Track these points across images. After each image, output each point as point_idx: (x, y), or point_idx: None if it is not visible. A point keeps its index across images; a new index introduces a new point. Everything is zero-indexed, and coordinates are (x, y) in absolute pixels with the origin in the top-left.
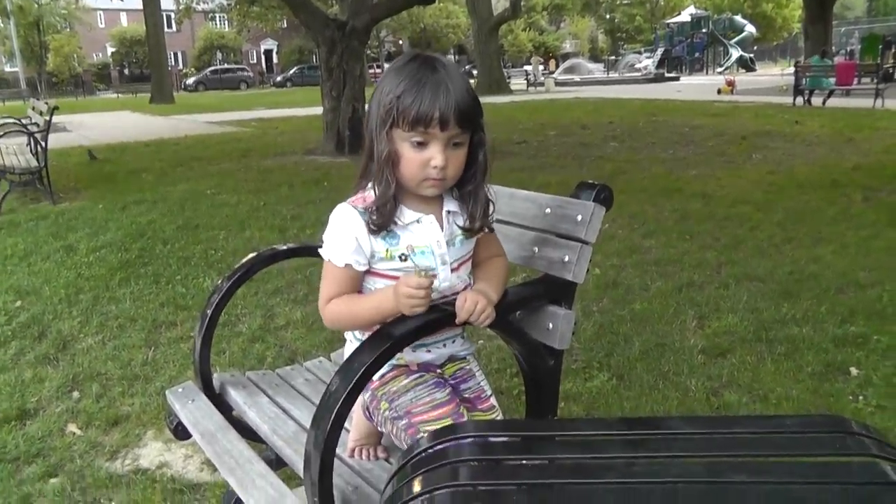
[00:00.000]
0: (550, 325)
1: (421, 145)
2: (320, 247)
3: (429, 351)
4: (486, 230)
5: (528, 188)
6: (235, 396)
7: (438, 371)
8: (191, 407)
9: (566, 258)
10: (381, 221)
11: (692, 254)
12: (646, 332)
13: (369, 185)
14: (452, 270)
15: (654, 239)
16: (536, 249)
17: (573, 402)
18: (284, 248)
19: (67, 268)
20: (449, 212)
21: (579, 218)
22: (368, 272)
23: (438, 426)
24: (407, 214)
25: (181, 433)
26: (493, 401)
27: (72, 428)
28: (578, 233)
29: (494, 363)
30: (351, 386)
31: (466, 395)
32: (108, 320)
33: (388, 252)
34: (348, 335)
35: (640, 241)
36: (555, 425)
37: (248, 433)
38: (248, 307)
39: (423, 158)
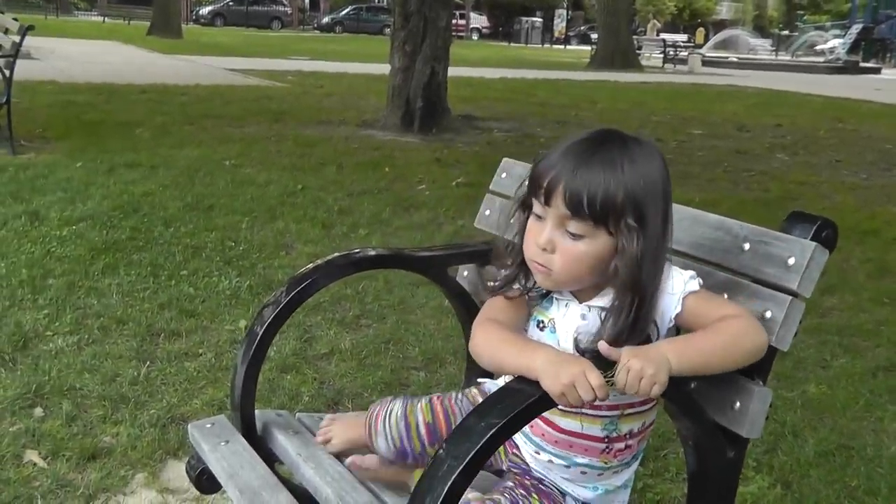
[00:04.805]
0: (738, 404)
1: (539, 219)
2: (423, 257)
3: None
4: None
5: None
6: (284, 444)
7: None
8: (224, 451)
9: (768, 314)
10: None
11: (893, 325)
12: (824, 426)
13: None
14: None
15: (837, 297)
16: (726, 297)
17: None
18: (373, 253)
19: (32, 241)
20: (597, 308)
21: (791, 262)
22: None
23: None
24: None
25: (206, 485)
26: None
27: (31, 456)
28: (789, 281)
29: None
30: (473, 453)
31: None
32: (86, 318)
33: (534, 310)
34: None
35: (815, 297)
36: None
37: (295, 493)
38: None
39: (534, 232)
